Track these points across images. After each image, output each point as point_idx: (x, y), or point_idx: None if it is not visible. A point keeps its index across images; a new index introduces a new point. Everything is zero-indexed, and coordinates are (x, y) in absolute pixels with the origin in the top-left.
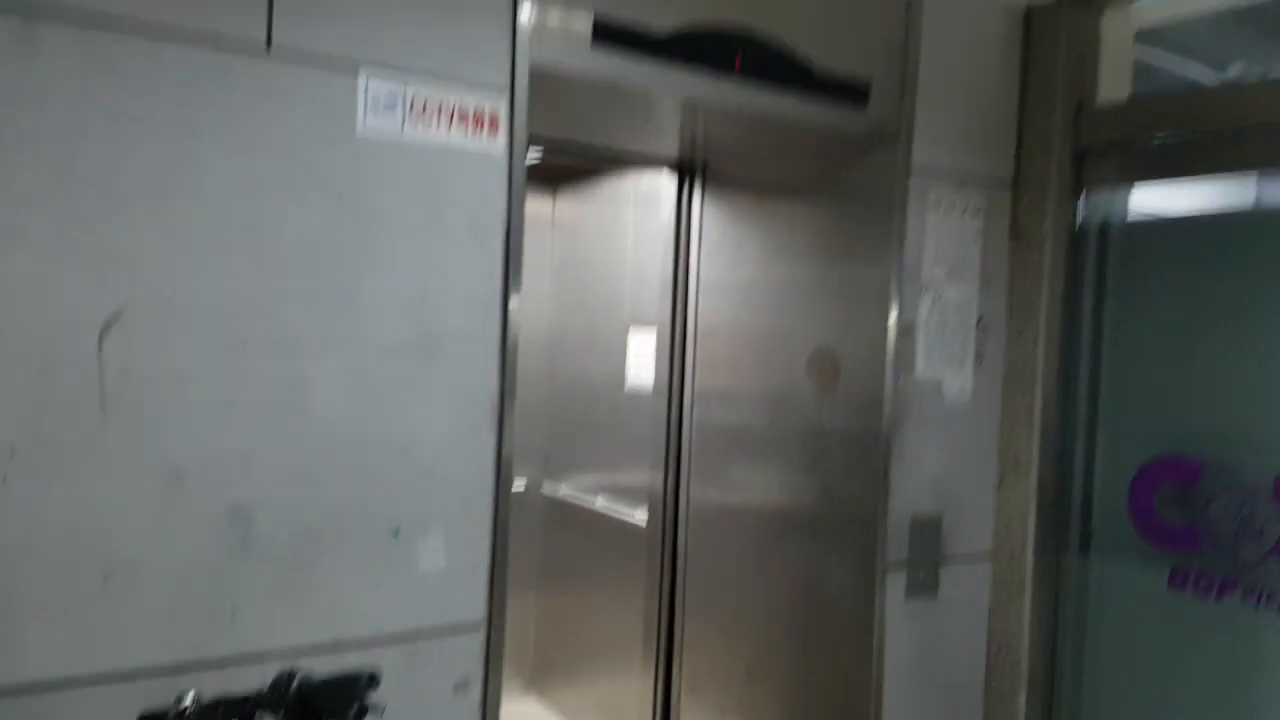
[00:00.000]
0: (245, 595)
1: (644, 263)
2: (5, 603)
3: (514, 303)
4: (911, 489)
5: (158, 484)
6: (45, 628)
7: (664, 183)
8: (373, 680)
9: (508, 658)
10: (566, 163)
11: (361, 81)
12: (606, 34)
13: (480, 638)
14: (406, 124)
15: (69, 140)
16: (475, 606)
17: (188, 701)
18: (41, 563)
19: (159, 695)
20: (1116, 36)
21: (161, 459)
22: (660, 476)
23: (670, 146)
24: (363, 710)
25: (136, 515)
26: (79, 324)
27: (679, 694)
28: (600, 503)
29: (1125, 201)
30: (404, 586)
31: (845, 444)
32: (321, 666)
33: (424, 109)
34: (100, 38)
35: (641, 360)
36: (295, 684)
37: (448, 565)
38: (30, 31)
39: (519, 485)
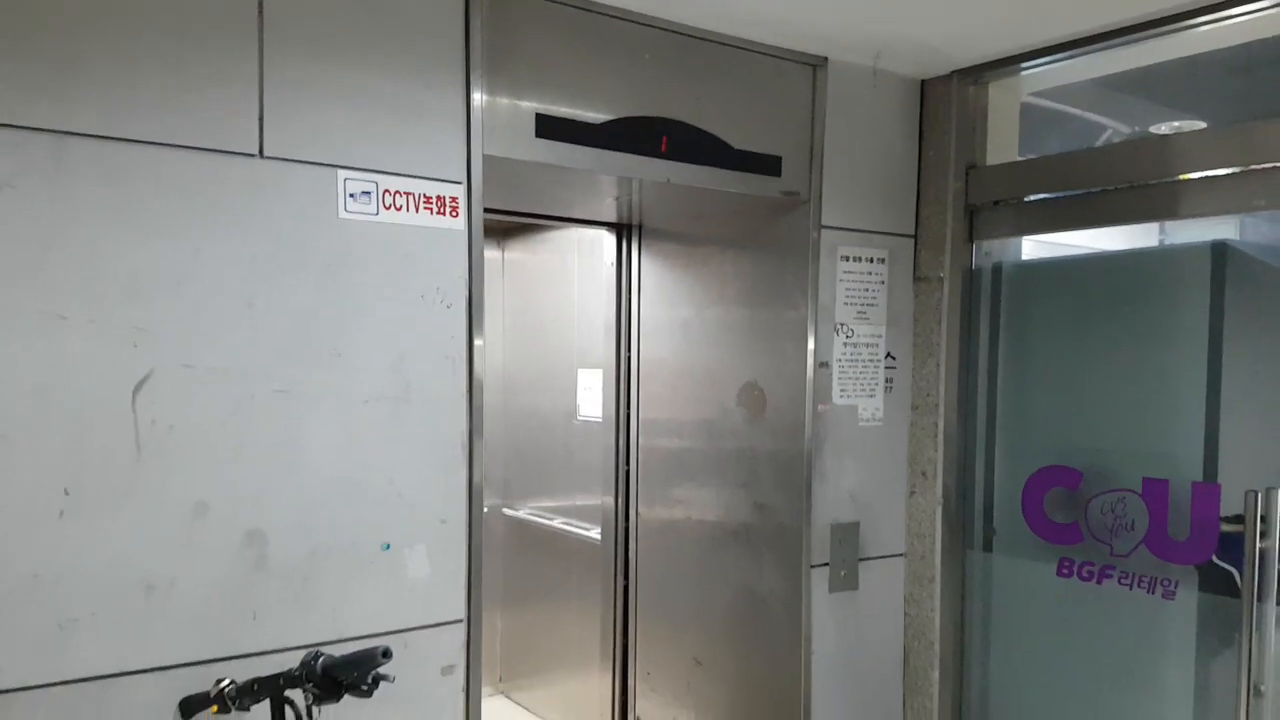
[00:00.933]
0: (264, 602)
1: (589, 307)
2: (67, 612)
3: (478, 355)
4: (832, 500)
5: (187, 514)
6: (100, 632)
7: (605, 237)
8: (386, 653)
9: None
10: (515, 219)
11: (341, 179)
12: (548, 126)
13: (462, 630)
14: (381, 209)
15: (94, 237)
16: (456, 605)
17: (226, 683)
18: (95, 580)
19: (197, 683)
20: (1003, 104)
21: (188, 493)
22: (612, 497)
23: (609, 211)
24: (377, 679)
25: (170, 539)
26: (115, 386)
27: (635, 683)
28: (558, 522)
29: (1014, 247)
30: (396, 591)
31: (773, 464)
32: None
33: (395, 197)
34: (118, 149)
35: (590, 395)
36: (320, 661)
37: (431, 573)
38: (60, 145)
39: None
